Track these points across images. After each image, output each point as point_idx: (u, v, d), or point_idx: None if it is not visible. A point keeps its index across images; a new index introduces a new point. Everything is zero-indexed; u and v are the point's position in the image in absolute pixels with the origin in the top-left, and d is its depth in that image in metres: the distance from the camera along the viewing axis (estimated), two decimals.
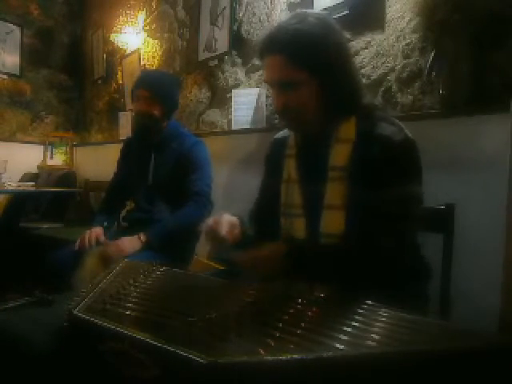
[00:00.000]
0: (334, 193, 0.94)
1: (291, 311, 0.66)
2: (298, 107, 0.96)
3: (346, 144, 0.95)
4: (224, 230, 0.94)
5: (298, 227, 1.01)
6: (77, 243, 1.61)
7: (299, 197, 1.02)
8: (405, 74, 1.64)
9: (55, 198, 3.56)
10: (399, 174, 0.90)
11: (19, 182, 3.60)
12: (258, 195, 1.23)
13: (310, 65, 0.92)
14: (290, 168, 1.06)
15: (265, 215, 1.14)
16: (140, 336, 0.58)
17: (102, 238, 1.63)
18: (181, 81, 2.50)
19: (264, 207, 1.17)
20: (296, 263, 0.87)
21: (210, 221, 0.98)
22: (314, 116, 0.98)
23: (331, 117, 0.98)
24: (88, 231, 1.65)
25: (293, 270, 0.86)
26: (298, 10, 1.00)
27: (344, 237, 0.92)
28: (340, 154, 0.95)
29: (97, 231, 1.65)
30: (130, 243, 1.53)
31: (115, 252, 1.48)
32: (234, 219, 1.01)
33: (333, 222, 0.94)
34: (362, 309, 0.69)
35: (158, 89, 1.69)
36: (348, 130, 0.96)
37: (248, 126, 2.31)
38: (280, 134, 1.19)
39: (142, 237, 1.54)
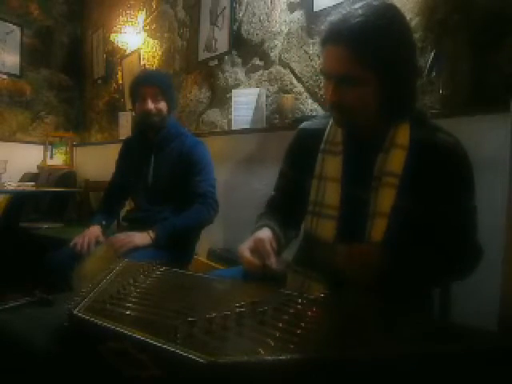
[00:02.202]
0: (384, 199, 0.89)
1: (291, 311, 0.66)
2: (354, 105, 0.89)
3: (401, 150, 0.90)
4: (273, 259, 0.86)
5: (328, 229, 0.95)
6: (73, 241, 1.60)
7: (337, 198, 0.95)
8: None
9: (55, 197, 3.57)
10: (460, 187, 0.89)
11: (19, 182, 3.60)
12: (280, 188, 1.15)
13: (376, 63, 0.84)
14: (328, 164, 0.98)
15: (287, 210, 1.08)
16: (140, 336, 0.58)
17: (101, 238, 1.63)
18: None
19: (285, 201, 1.10)
20: (393, 263, 0.82)
21: (248, 251, 0.88)
22: (368, 116, 0.91)
23: (386, 119, 0.92)
24: (86, 231, 1.65)
25: (385, 271, 0.80)
26: (364, 1, 0.88)
27: (388, 245, 0.87)
28: (396, 160, 0.90)
29: (95, 232, 1.65)
30: (140, 237, 1.53)
31: (124, 241, 1.49)
32: (272, 238, 0.93)
33: (381, 228, 0.89)
34: (362, 308, 0.69)
35: (163, 85, 1.70)
36: (403, 135, 0.91)
37: (248, 126, 2.31)
38: (309, 125, 1.10)
39: (152, 233, 1.55)
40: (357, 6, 0.87)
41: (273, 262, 0.86)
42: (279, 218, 1.05)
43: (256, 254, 0.88)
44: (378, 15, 0.84)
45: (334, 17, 0.89)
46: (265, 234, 0.94)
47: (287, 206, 1.10)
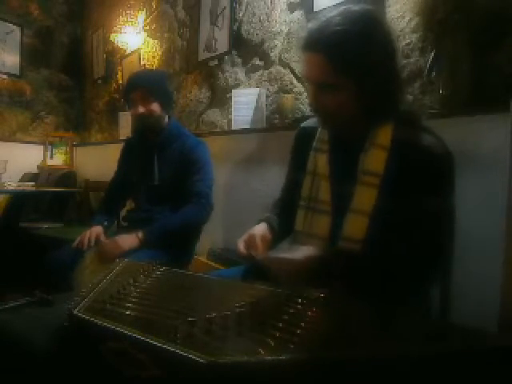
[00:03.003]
0: (362, 197, 0.92)
1: (291, 311, 0.66)
2: (333, 110, 0.92)
3: (381, 150, 0.92)
4: (261, 251, 0.95)
5: (322, 224, 0.99)
6: (75, 242, 1.61)
7: (328, 193, 0.99)
8: (405, 74, 1.64)
9: (55, 197, 3.57)
10: (437, 188, 0.89)
11: (19, 182, 3.60)
12: (284, 186, 1.20)
13: (351, 69, 0.87)
14: (318, 162, 1.02)
15: (288, 207, 1.11)
16: (140, 336, 0.58)
17: (103, 237, 1.63)
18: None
19: (288, 199, 1.14)
20: (329, 271, 0.84)
21: (243, 243, 0.98)
22: (349, 119, 0.94)
23: (368, 120, 0.94)
24: (88, 230, 1.65)
25: (323, 277, 0.82)
26: (344, 6, 0.91)
27: (365, 244, 0.90)
28: (374, 160, 0.92)
29: (97, 230, 1.65)
30: (127, 241, 1.51)
31: (112, 249, 1.48)
32: (265, 232, 1.02)
33: (356, 226, 0.92)
34: (362, 309, 0.69)
35: (151, 85, 1.67)
36: (384, 135, 0.93)
37: (248, 126, 2.31)
38: (308, 123, 1.14)
39: (140, 234, 1.53)
40: (335, 12, 0.89)
41: (257, 253, 0.95)
42: (280, 214, 1.12)
43: (247, 246, 0.99)
44: (355, 22, 0.86)
45: (313, 24, 0.92)
46: (259, 229, 1.03)
47: (288, 204, 1.12)
